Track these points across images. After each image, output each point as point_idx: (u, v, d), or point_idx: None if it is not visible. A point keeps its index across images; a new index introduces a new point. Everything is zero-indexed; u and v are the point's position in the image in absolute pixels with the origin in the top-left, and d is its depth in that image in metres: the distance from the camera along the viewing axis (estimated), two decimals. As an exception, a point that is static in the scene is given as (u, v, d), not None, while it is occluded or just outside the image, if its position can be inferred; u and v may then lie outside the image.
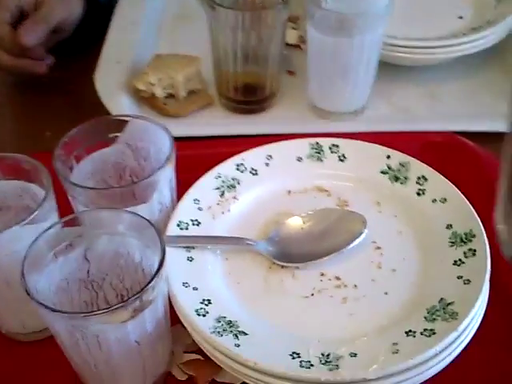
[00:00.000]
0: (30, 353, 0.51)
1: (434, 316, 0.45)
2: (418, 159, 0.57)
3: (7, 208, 0.49)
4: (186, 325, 0.46)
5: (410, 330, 0.45)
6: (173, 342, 0.50)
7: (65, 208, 0.50)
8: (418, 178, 0.56)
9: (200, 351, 0.47)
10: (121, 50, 0.78)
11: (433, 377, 0.43)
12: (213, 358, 0.45)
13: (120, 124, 0.53)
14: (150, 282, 0.41)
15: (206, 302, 0.47)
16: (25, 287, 0.40)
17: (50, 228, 0.44)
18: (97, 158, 0.53)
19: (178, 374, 0.49)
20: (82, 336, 0.41)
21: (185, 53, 0.76)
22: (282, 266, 0.51)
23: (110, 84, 0.73)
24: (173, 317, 0.47)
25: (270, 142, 0.60)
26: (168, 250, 0.44)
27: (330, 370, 0.42)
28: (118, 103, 0.71)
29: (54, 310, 0.40)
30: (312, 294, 0.49)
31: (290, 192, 0.58)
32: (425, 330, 0.44)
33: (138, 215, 0.45)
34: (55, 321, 0.41)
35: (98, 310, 0.39)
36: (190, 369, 0.49)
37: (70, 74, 0.79)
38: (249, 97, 0.74)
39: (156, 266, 0.42)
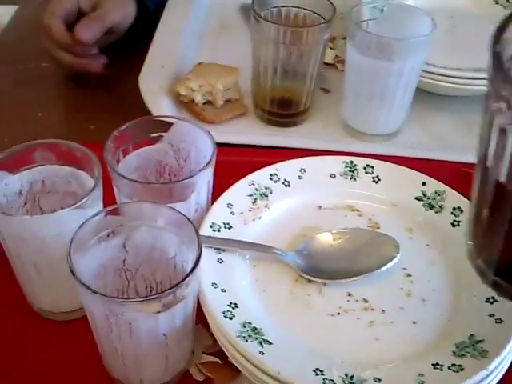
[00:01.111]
0: (59, 332, 0.51)
1: (462, 352, 0.44)
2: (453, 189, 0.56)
3: (55, 192, 0.50)
4: (211, 325, 0.46)
5: (438, 363, 0.43)
6: (193, 341, 0.49)
7: (108, 197, 0.50)
8: (454, 208, 0.54)
9: (219, 354, 0.47)
10: (165, 56, 0.79)
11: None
12: (234, 362, 0.44)
13: (165, 125, 0.54)
14: (185, 278, 0.41)
15: (233, 306, 0.46)
16: (70, 267, 0.40)
17: (96, 215, 0.44)
18: (141, 154, 0.54)
19: (195, 374, 0.48)
20: (116, 321, 0.41)
21: (224, 63, 0.76)
22: (309, 281, 0.50)
23: (153, 86, 0.73)
24: (196, 316, 0.47)
25: (304, 155, 0.59)
26: (200, 248, 0.43)
27: (354, 391, 0.41)
28: (159, 105, 0.71)
29: (95, 292, 0.39)
30: (338, 313, 0.48)
31: (320, 207, 0.57)
32: (453, 364, 0.43)
33: (178, 211, 0.45)
34: (93, 303, 0.41)
35: (135, 297, 0.40)
36: (209, 370, 0.48)
37: (117, 73, 0.80)
38: (283, 110, 0.74)
39: (190, 264, 0.42)
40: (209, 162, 0.49)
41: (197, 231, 0.43)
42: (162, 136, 0.54)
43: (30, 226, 0.44)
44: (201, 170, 0.49)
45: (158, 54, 0.79)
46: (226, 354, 0.45)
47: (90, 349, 0.45)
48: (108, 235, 0.45)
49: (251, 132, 0.73)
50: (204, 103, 0.73)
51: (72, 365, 0.48)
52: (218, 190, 0.55)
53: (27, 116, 0.74)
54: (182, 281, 0.40)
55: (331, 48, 0.85)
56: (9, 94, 0.78)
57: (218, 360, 0.48)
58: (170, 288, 0.40)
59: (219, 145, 0.66)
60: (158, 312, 0.40)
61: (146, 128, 0.53)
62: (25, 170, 0.49)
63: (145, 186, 0.49)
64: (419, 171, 0.57)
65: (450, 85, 0.73)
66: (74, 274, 0.39)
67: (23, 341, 0.50)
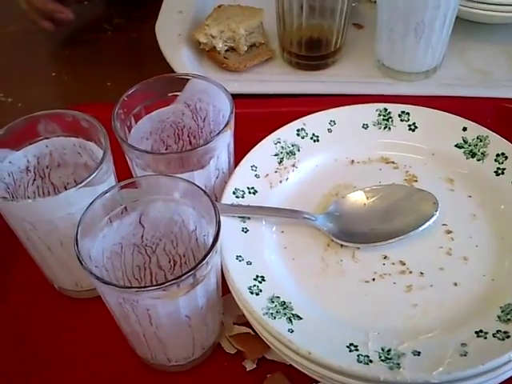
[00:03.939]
0: (82, 310, 0.48)
1: (509, 316, 0.39)
2: (497, 132, 0.49)
3: (66, 164, 0.46)
4: (238, 303, 0.42)
5: (481, 330, 0.38)
6: (223, 312, 0.46)
7: (122, 168, 0.46)
8: (498, 155, 0.48)
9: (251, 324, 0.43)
10: (183, 0, 0.71)
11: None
12: (264, 340, 0.41)
13: (180, 82, 0.48)
14: (204, 258, 0.36)
15: (260, 279, 0.42)
16: (77, 255, 0.37)
17: (106, 192, 0.40)
18: (155, 117, 0.49)
19: (226, 347, 0.45)
20: (133, 308, 0.38)
21: (247, 4, 0.69)
22: (342, 245, 0.45)
23: (170, 35, 0.67)
24: (224, 286, 0.43)
25: (334, 103, 0.53)
26: (222, 219, 0.39)
27: (391, 368, 0.36)
28: (178, 55, 0.65)
29: (105, 282, 0.36)
30: (373, 279, 0.43)
31: (353, 162, 0.51)
32: (498, 331, 0.38)
33: (194, 184, 0.40)
34: (106, 291, 0.38)
35: (151, 285, 0.36)
36: (240, 343, 0.45)
37: (133, 22, 0.73)
38: (313, 52, 0.67)
39: (210, 239, 0.38)
40: (226, 125, 0.44)
41: (214, 205, 0.39)
42: (176, 96, 0.48)
43: (36, 209, 0.40)
44: (218, 134, 0.44)
45: (175, -2, 0.72)
46: (255, 330, 0.41)
47: (115, 327, 0.42)
48: (122, 212, 0.41)
49: (279, 79, 0.67)
50: (227, 50, 0.67)
51: (97, 344, 0.46)
52: (241, 149, 0.50)
53: (40, 76, 0.70)
54: (201, 261, 0.36)
55: (363, -22, 0.76)
56: (21, 54, 0.74)
57: (249, 331, 0.45)
58: (189, 271, 0.36)
59: (244, 96, 0.62)
60: (177, 297, 0.37)
61: (159, 88, 0.48)
62: (30, 144, 0.45)
63: (158, 157, 0.44)
64: (460, 112, 0.51)
65: (491, 13, 0.64)
66: (81, 263, 0.36)
67: (47, 320, 0.48)
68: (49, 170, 0.45)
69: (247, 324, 0.44)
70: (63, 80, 0.70)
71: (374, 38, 0.66)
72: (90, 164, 0.45)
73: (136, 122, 0.47)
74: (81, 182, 0.40)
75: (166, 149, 0.48)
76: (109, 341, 0.45)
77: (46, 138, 0.45)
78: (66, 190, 0.40)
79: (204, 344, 0.44)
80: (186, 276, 0.36)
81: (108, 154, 0.42)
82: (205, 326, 0.42)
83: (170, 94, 0.48)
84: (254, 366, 0.44)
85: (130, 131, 0.47)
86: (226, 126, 0.44)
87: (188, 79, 0.48)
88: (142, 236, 0.42)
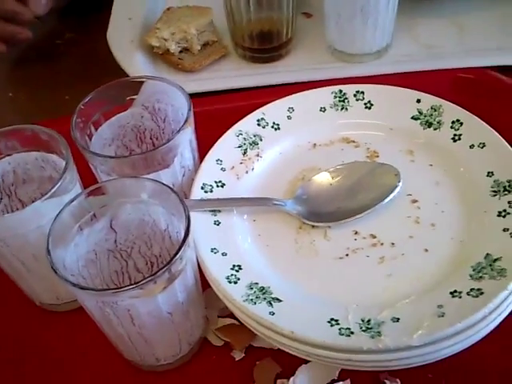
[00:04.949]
0: (66, 322, 0.48)
1: (480, 274, 0.40)
2: (450, 101, 0.50)
3: (31, 180, 0.46)
4: (217, 293, 0.42)
5: (456, 291, 0.39)
6: (206, 306, 0.46)
7: (87, 177, 0.46)
8: (453, 122, 0.49)
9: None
10: (132, 6, 0.72)
11: (480, 340, 0.38)
12: (248, 327, 0.41)
13: (135, 86, 0.48)
14: (177, 253, 0.37)
15: (237, 268, 0.43)
16: (51, 264, 0.36)
17: (73, 200, 0.40)
18: (115, 122, 0.49)
19: (213, 340, 0.46)
20: (113, 311, 0.38)
21: (196, 4, 0.69)
22: (313, 226, 0.46)
23: (123, 42, 0.67)
24: (204, 281, 0.43)
25: (291, 92, 0.54)
26: (194, 214, 0.39)
27: (372, 337, 0.37)
28: (133, 61, 0.65)
29: (82, 288, 0.36)
30: (346, 255, 0.44)
31: (315, 145, 0.52)
32: (471, 289, 0.39)
33: (161, 183, 0.41)
34: (85, 297, 0.38)
35: (128, 285, 0.35)
36: (226, 335, 0.45)
37: (85, 34, 0.73)
38: (265, 44, 0.68)
39: (182, 235, 0.38)
40: (185, 121, 0.44)
41: (182, 200, 0.39)
42: (133, 99, 0.48)
43: (5, 225, 0.40)
44: (179, 131, 0.44)
45: (124, 5, 0.72)
46: (238, 318, 0.41)
47: (100, 335, 0.42)
48: (91, 219, 0.41)
49: (235, 74, 0.67)
50: (181, 51, 0.67)
51: (84, 353, 0.46)
52: (205, 146, 0.50)
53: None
54: (175, 256, 0.36)
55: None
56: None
57: (234, 321, 0.45)
58: (163, 266, 0.36)
59: (202, 94, 0.62)
60: (156, 294, 0.37)
61: (115, 94, 0.48)
62: None
63: (121, 160, 0.44)
64: (415, 87, 0.52)
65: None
66: (55, 272, 0.35)
67: (32, 337, 0.47)
68: (14, 187, 0.44)
69: (231, 315, 0.45)
70: (21, 100, 0.69)
71: (323, 25, 0.67)
72: (55, 176, 0.44)
73: (96, 130, 0.47)
74: (46, 194, 0.39)
75: (130, 153, 0.48)
76: (96, 349, 0.45)
77: (8, 155, 0.44)
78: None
79: (190, 340, 0.44)
80: (161, 272, 0.36)
81: (71, 164, 0.42)
82: (188, 321, 0.42)
83: (127, 99, 0.48)
84: (243, 355, 0.44)
85: (90, 139, 0.46)
86: (185, 122, 0.44)
87: (143, 81, 0.48)
88: (116, 241, 0.42)
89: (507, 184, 0.44)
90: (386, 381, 0.42)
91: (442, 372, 0.42)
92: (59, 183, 0.40)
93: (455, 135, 0.49)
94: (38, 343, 0.47)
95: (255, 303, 0.40)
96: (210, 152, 0.49)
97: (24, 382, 0.45)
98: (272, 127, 0.52)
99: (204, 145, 0.50)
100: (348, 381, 0.42)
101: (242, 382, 0.43)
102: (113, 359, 0.45)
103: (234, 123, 0.52)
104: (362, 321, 0.39)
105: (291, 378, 0.42)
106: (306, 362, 0.42)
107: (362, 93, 0.52)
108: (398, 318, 0.39)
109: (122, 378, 0.44)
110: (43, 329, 0.48)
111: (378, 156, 0.50)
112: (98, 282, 0.41)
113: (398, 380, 0.42)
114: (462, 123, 0.49)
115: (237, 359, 0.44)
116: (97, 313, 0.38)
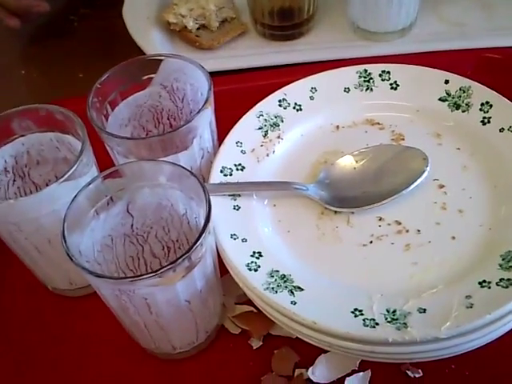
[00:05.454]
0: (79, 308, 0.47)
1: (510, 263, 0.38)
2: (479, 82, 0.48)
3: (45, 161, 0.44)
4: (237, 281, 0.41)
5: (485, 281, 0.38)
6: (224, 293, 0.45)
7: (104, 159, 0.44)
8: (482, 104, 0.47)
9: (253, 302, 0.42)
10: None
11: (508, 332, 0.37)
12: (267, 315, 0.40)
13: (153, 64, 0.47)
14: (198, 240, 0.35)
15: (257, 255, 0.41)
16: (66, 251, 0.35)
17: (89, 184, 0.38)
18: (132, 102, 0.47)
19: (231, 328, 0.45)
20: (130, 299, 0.36)
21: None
22: (335, 212, 0.44)
23: (139, 19, 0.65)
24: (221, 267, 0.42)
25: (313, 72, 0.52)
26: (213, 199, 0.38)
27: (398, 328, 0.36)
28: (149, 39, 0.64)
29: (98, 276, 0.35)
30: (370, 242, 0.42)
31: (338, 127, 0.50)
32: (501, 279, 0.37)
33: (180, 166, 0.39)
34: (101, 285, 0.37)
35: (146, 273, 0.34)
36: (244, 323, 0.44)
37: (100, 10, 0.71)
38: (286, 21, 0.65)
39: (202, 221, 0.37)
40: (206, 102, 0.43)
41: (202, 184, 0.37)
42: (151, 78, 0.47)
43: (19, 209, 0.38)
44: (198, 112, 0.42)
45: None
46: (258, 307, 0.40)
47: (114, 321, 0.41)
48: (108, 203, 0.39)
49: (254, 53, 0.65)
50: (198, 28, 0.65)
51: (98, 340, 0.45)
52: (224, 127, 0.48)
53: (10, 76, 0.68)
54: (195, 243, 0.35)
55: None
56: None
57: (252, 309, 0.44)
58: (183, 255, 0.34)
59: (220, 73, 0.60)
60: (175, 282, 0.36)
61: (132, 72, 0.46)
62: (5, 144, 0.43)
63: (138, 142, 0.42)
64: (440, 67, 0.50)
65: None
66: (71, 258, 0.34)
67: (45, 322, 0.47)
68: (28, 168, 0.43)
69: (249, 302, 0.43)
70: (34, 77, 0.68)
71: (346, 2, 0.64)
72: (70, 158, 0.43)
73: (113, 110, 0.46)
74: (62, 177, 0.38)
75: (147, 134, 0.47)
76: (111, 336, 0.44)
77: (22, 136, 0.43)
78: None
79: (207, 327, 0.43)
80: (181, 260, 0.34)
81: (87, 145, 0.40)
82: (206, 309, 0.41)
83: (144, 77, 0.47)
84: (261, 343, 0.43)
85: (107, 119, 0.45)
86: (205, 103, 0.42)
87: (161, 60, 0.46)
88: (132, 225, 0.41)
89: (539, 169, 0.42)
90: (407, 371, 0.41)
91: (465, 363, 0.40)
92: (75, 165, 0.39)
93: (484, 118, 0.47)
94: (51, 329, 0.46)
95: (276, 292, 0.38)
96: (230, 134, 0.48)
97: (37, 368, 0.44)
98: (294, 108, 0.50)
99: (223, 126, 0.48)
100: (369, 371, 0.41)
101: (259, 370, 0.42)
102: (128, 347, 0.44)
103: (253, 103, 0.50)
104: (388, 311, 0.37)
105: (310, 368, 0.41)
106: (325, 351, 0.41)
107: (388, 73, 0.50)
108: (425, 309, 0.37)
109: (137, 366, 0.43)
110: (56, 314, 0.47)
111: (403, 139, 0.48)
112: (113, 267, 0.40)
113: (419, 370, 0.41)
114: (491, 105, 0.47)
115: (254, 347, 0.43)
116: (113, 301, 0.37)
